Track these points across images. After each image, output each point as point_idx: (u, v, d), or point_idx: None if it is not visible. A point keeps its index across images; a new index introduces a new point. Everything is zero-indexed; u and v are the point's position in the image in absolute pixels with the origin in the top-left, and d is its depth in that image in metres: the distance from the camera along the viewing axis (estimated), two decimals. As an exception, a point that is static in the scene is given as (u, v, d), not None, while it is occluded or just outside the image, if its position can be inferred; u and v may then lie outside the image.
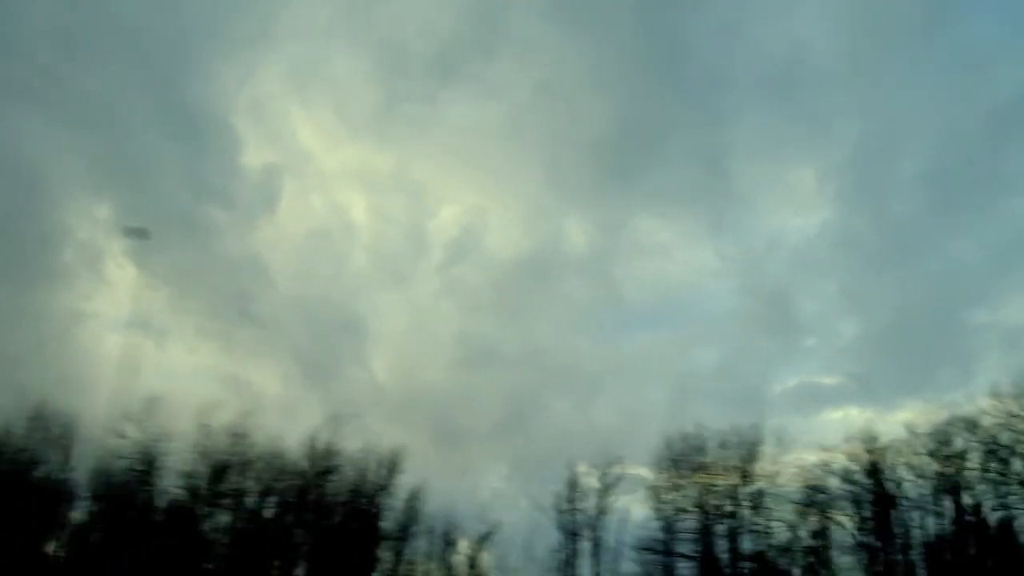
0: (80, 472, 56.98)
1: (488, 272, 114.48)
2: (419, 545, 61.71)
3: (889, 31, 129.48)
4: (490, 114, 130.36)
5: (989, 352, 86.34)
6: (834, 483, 55.38)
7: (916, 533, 53.04)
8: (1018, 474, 50.45)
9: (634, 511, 60.36)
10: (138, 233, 48.28)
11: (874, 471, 53.85)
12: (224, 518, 57.93)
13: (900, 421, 69.05)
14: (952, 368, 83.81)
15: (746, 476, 56.28)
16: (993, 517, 51.21)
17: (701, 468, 57.30)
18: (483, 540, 61.11)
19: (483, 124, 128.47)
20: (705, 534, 56.05)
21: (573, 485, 60.99)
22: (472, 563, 61.08)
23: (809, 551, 55.09)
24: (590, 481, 61.02)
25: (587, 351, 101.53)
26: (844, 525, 54.45)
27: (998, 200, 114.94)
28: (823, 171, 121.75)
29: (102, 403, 54.42)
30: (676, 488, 57.64)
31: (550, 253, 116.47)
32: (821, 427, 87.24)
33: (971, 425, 52.46)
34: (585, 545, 59.68)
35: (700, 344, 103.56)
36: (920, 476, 53.09)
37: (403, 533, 61.07)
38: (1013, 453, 50.67)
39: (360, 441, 61.71)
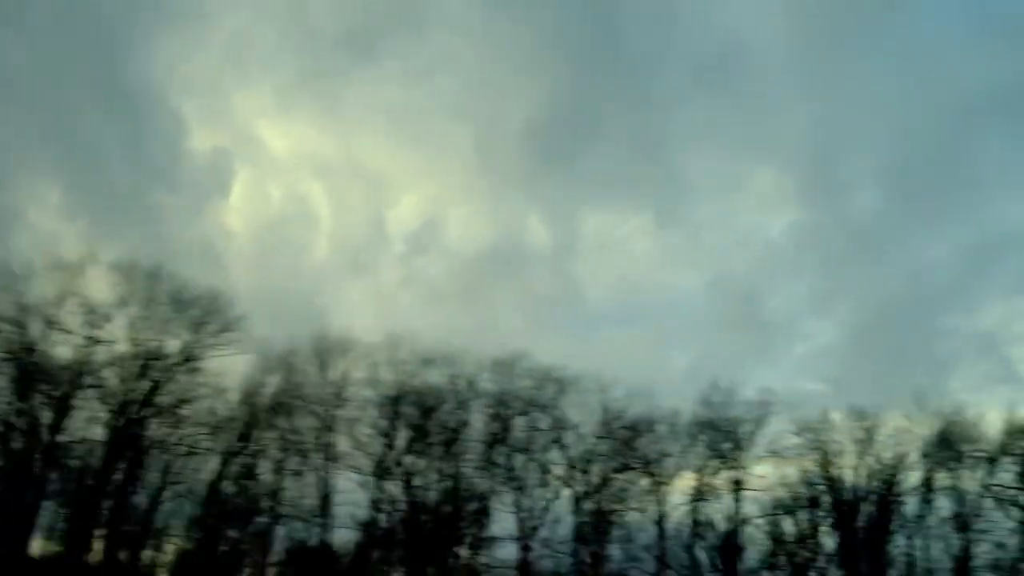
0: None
1: (451, 264, 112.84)
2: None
3: (835, 19, 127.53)
4: (438, 97, 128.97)
5: (965, 356, 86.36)
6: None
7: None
8: None
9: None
10: None
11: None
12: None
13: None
14: (929, 371, 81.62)
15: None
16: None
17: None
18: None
19: (430, 107, 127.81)
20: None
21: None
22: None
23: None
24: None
25: (552, 348, 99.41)
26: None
27: (965, 199, 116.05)
28: (781, 167, 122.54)
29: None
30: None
31: (510, 246, 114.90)
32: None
33: None
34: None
35: (668, 343, 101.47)
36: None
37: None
38: None
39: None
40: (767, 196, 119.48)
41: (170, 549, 49.87)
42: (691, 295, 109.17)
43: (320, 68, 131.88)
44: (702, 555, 52.25)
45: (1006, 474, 51.74)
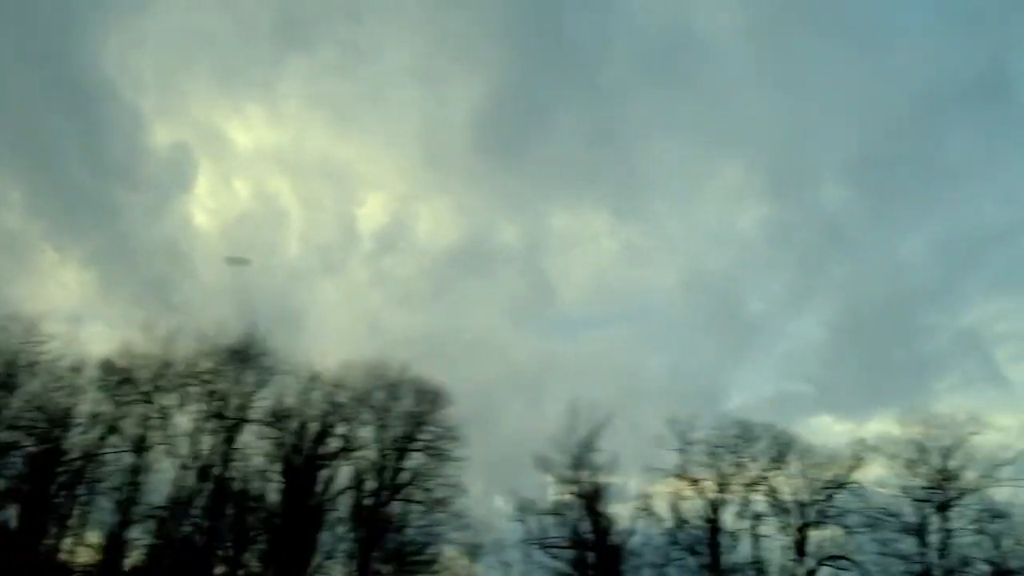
0: None
1: (422, 263, 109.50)
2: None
3: (793, 6, 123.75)
4: (388, 90, 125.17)
5: (948, 355, 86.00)
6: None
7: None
8: None
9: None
10: (239, 261, 49.81)
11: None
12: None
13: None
14: (913, 371, 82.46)
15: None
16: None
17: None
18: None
19: (380, 101, 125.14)
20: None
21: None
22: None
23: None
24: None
25: (526, 348, 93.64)
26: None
27: (938, 194, 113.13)
28: (747, 160, 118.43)
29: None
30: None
31: (476, 245, 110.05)
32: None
33: None
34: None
35: (644, 344, 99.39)
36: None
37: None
38: None
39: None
40: (734, 191, 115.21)
41: None
42: (665, 294, 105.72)
43: (265, 59, 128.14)
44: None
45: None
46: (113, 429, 47.74)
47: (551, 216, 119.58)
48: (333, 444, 51.02)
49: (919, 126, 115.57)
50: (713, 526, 49.85)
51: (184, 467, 47.55)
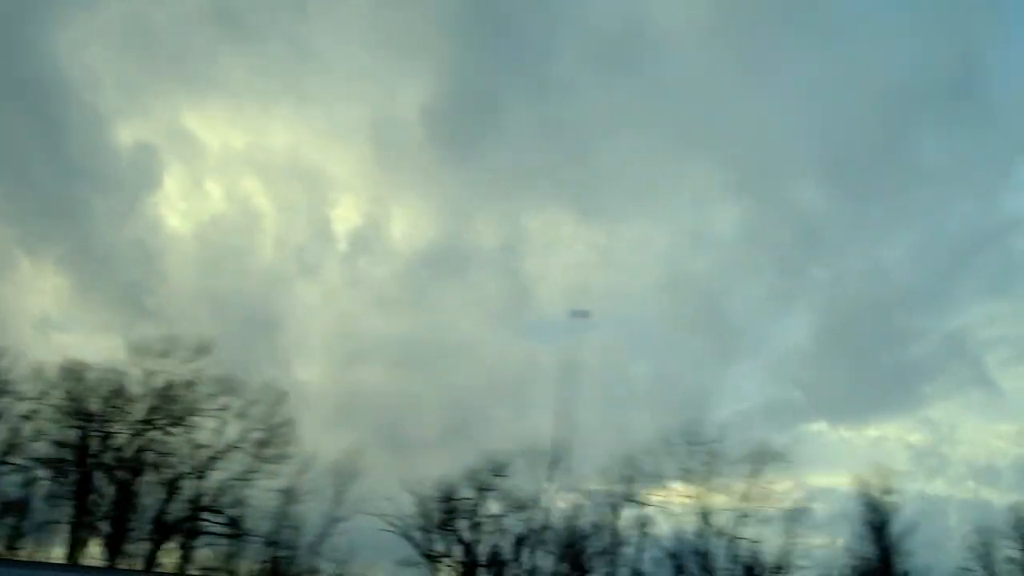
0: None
1: (398, 265, 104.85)
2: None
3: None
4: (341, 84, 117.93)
5: (936, 360, 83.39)
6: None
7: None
8: None
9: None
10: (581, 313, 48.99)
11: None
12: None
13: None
14: (906, 374, 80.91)
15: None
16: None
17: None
18: None
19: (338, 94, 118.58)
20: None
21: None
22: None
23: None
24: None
25: (505, 352, 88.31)
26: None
27: (917, 195, 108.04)
28: (719, 160, 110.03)
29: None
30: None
31: (454, 246, 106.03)
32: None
33: None
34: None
35: (626, 349, 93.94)
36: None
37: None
38: None
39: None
40: (708, 192, 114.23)
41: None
42: (643, 297, 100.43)
43: (216, 54, 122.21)
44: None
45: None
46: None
47: (525, 218, 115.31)
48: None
49: (896, 125, 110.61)
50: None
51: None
